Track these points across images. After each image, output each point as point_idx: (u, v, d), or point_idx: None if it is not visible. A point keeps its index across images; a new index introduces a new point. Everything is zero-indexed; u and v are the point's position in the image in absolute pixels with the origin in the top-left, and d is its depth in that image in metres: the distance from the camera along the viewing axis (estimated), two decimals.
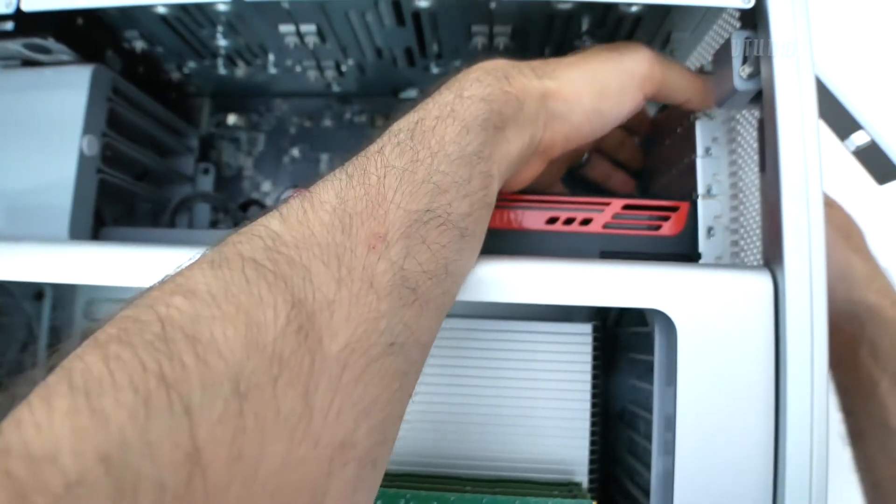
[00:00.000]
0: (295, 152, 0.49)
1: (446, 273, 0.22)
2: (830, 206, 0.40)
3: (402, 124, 0.24)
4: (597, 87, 0.28)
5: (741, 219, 0.32)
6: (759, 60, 0.27)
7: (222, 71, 0.42)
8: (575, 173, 0.41)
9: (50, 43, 0.33)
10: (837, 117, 0.32)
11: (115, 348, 0.15)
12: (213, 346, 0.16)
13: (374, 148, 0.23)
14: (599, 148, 0.41)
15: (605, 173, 0.41)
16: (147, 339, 0.15)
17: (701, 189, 0.32)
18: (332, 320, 0.18)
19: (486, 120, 0.24)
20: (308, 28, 0.35)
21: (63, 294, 0.39)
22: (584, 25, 0.34)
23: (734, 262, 0.32)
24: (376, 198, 0.21)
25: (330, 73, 0.42)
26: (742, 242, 0.32)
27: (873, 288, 0.38)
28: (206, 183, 0.49)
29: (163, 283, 0.18)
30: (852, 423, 0.39)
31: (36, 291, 0.39)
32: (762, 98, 0.27)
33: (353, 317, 0.18)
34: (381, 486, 0.30)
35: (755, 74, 0.27)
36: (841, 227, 0.40)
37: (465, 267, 0.24)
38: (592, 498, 0.30)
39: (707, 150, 0.32)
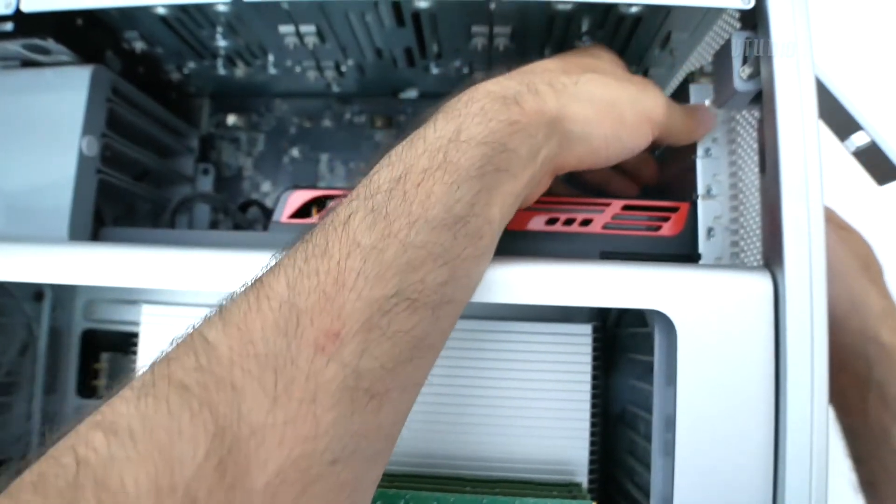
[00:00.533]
0: (295, 152, 0.49)
1: (417, 354, 0.21)
2: (850, 232, 0.38)
3: (383, 178, 0.22)
4: (616, 115, 0.27)
5: (741, 219, 0.32)
6: (759, 61, 0.27)
7: (222, 71, 0.42)
8: (574, 176, 0.41)
9: (49, 44, 0.33)
10: (837, 118, 0.32)
11: (26, 498, 0.15)
12: (121, 494, 0.15)
13: (342, 213, 0.21)
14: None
15: (605, 178, 0.39)
16: (60, 486, 0.15)
17: (701, 190, 0.32)
18: (262, 448, 0.17)
19: (484, 167, 0.22)
20: (308, 28, 0.35)
21: (63, 294, 0.39)
22: (585, 26, 0.34)
23: (734, 262, 0.32)
24: (333, 287, 0.19)
25: (330, 74, 0.42)
26: (742, 243, 0.32)
27: (888, 325, 0.35)
28: (206, 183, 0.49)
29: (96, 410, 0.17)
30: (864, 473, 0.36)
31: (36, 292, 0.39)
32: (762, 98, 0.27)
33: (288, 440, 0.17)
34: (382, 486, 0.31)
35: (755, 75, 0.27)
36: (860, 256, 0.37)
37: (445, 331, 0.22)
38: (592, 498, 0.30)
39: (707, 151, 0.32)
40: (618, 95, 0.27)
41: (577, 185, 0.40)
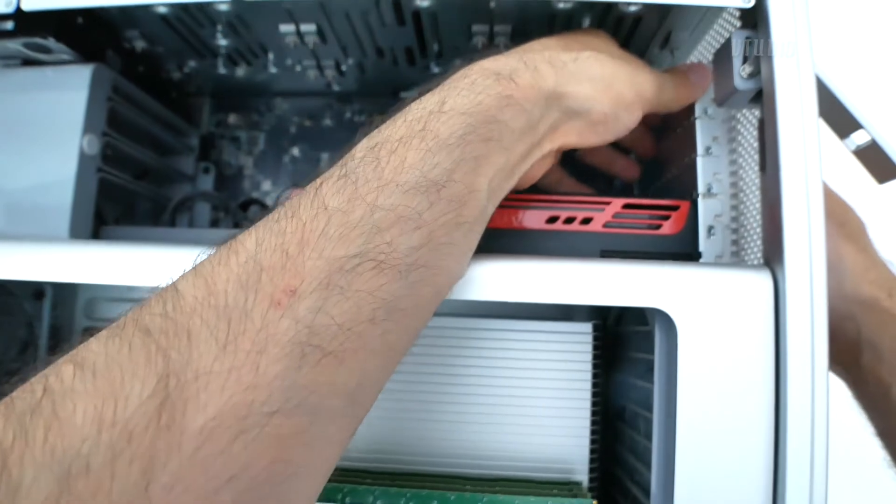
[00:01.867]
0: (295, 151, 0.49)
1: (385, 315, 0.21)
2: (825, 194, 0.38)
3: (360, 147, 0.22)
4: (614, 93, 0.27)
5: (741, 218, 0.32)
6: (759, 60, 0.27)
7: (222, 70, 0.42)
8: (576, 158, 0.40)
9: (50, 42, 0.33)
10: (837, 116, 0.32)
11: None
12: (69, 423, 0.16)
13: (318, 180, 0.22)
14: None
15: (607, 159, 0.40)
16: (21, 409, 0.16)
17: (701, 188, 0.32)
18: (204, 392, 0.18)
19: (466, 136, 0.22)
20: (308, 27, 0.35)
21: (63, 293, 0.39)
22: (585, 25, 0.34)
23: (734, 261, 0.32)
24: (296, 246, 0.20)
25: (330, 73, 0.42)
26: (742, 241, 0.32)
27: (868, 279, 0.34)
28: (207, 182, 0.49)
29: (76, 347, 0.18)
30: (876, 425, 0.35)
31: (36, 290, 0.39)
32: (762, 97, 0.27)
33: (229, 387, 0.18)
34: (382, 484, 0.31)
35: (755, 74, 0.27)
36: (833, 215, 0.35)
37: (423, 298, 0.22)
38: (592, 497, 0.31)
39: (707, 150, 0.32)
40: (615, 73, 0.27)
41: (582, 173, 0.40)
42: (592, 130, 0.28)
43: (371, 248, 0.20)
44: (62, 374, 0.17)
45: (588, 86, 0.26)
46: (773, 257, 0.26)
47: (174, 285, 0.20)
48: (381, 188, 0.21)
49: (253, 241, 0.20)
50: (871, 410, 0.36)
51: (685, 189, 0.33)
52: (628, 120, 0.28)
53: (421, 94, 0.24)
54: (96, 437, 0.16)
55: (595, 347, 0.34)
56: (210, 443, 0.17)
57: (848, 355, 0.35)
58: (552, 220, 0.31)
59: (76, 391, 0.17)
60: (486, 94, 0.23)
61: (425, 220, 0.21)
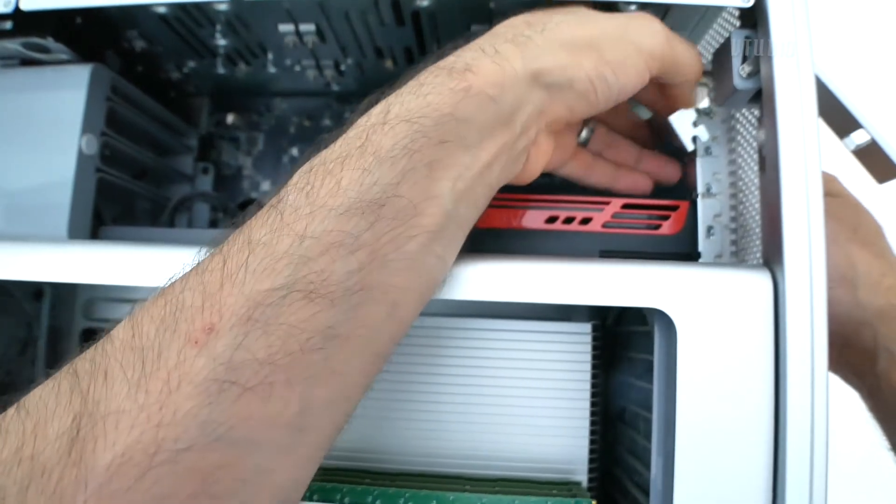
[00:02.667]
0: (294, 152, 0.49)
1: (322, 343, 0.20)
2: (835, 197, 0.35)
3: (299, 171, 0.22)
4: (594, 55, 0.25)
5: (741, 218, 0.32)
6: (758, 59, 0.27)
7: (221, 70, 0.42)
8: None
9: (49, 42, 0.33)
10: (837, 116, 0.32)
11: None
12: None
13: (252, 211, 0.22)
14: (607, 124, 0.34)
15: (610, 179, 0.34)
16: None
17: (700, 188, 0.32)
18: (114, 430, 0.18)
19: (413, 143, 0.21)
20: (307, 27, 0.35)
21: (62, 293, 0.39)
22: None
23: (734, 261, 0.32)
24: (218, 283, 0.20)
25: (329, 73, 0.42)
26: (742, 241, 0.32)
27: (884, 286, 0.33)
28: (206, 182, 0.49)
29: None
30: (890, 436, 0.34)
31: (35, 291, 0.39)
32: (762, 97, 0.27)
33: (139, 424, 0.18)
34: (381, 485, 0.31)
35: (755, 73, 0.27)
36: (845, 220, 0.34)
37: (369, 320, 0.21)
38: (592, 497, 0.30)
39: (707, 149, 0.32)
40: (592, 33, 0.25)
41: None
42: (583, 101, 0.25)
43: (300, 279, 0.20)
44: (6, 415, 0.19)
45: (563, 53, 0.24)
46: (772, 257, 0.25)
47: (109, 331, 0.20)
48: (312, 214, 0.20)
49: (181, 281, 0.20)
50: (887, 422, 0.34)
51: (684, 189, 0.33)
52: (622, 80, 0.25)
53: (370, 104, 0.23)
54: (15, 470, 0.17)
55: (594, 348, 0.34)
56: (117, 478, 0.18)
57: (863, 363, 0.34)
58: (551, 220, 0.31)
59: (10, 430, 0.18)
60: (437, 93, 0.22)
61: (365, 242, 0.21)
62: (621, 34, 0.25)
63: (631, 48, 0.25)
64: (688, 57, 0.27)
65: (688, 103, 0.31)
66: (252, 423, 0.19)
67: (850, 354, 0.34)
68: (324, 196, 0.21)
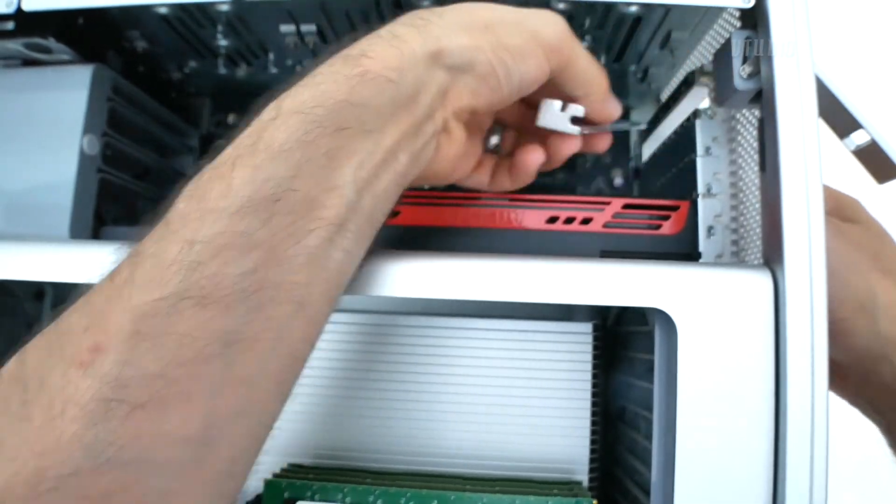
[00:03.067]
0: None
1: (222, 349, 0.19)
2: (856, 223, 0.34)
3: (191, 181, 0.21)
4: (493, 38, 0.24)
5: (741, 218, 0.32)
6: (759, 60, 0.27)
7: (223, 70, 0.42)
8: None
9: (50, 43, 0.33)
10: (837, 116, 0.32)
11: None
12: None
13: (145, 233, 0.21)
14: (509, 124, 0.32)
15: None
16: None
17: (701, 188, 0.32)
18: None
19: (306, 135, 0.21)
20: (308, 28, 0.35)
21: (63, 293, 0.39)
22: (585, 25, 0.34)
23: (734, 260, 0.32)
24: (105, 301, 0.19)
25: None
26: (742, 241, 0.32)
27: None
28: None
29: None
30: None
31: (36, 291, 0.39)
32: (762, 97, 0.27)
33: (21, 455, 0.17)
34: (383, 484, 0.31)
35: (755, 74, 0.27)
36: (866, 247, 0.32)
37: (273, 321, 0.20)
38: (592, 497, 0.31)
39: (707, 150, 0.32)
40: (492, 17, 0.25)
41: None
42: (485, 85, 0.25)
43: (191, 285, 0.19)
44: None
45: (464, 35, 0.24)
46: (772, 257, 0.26)
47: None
48: (202, 219, 0.20)
49: (69, 307, 0.20)
50: None
51: (684, 189, 0.33)
52: (522, 68, 0.25)
53: (264, 104, 0.23)
54: None
55: (595, 347, 0.34)
56: None
57: (883, 399, 0.32)
58: (552, 220, 0.31)
59: None
60: (331, 80, 0.22)
61: (259, 240, 0.20)
62: (520, 20, 0.25)
63: (528, 34, 0.25)
64: (590, 68, 0.27)
65: (603, 120, 0.29)
66: (145, 442, 0.18)
67: (870, 391, 0.33)
68: (214, 199, 0.20)
